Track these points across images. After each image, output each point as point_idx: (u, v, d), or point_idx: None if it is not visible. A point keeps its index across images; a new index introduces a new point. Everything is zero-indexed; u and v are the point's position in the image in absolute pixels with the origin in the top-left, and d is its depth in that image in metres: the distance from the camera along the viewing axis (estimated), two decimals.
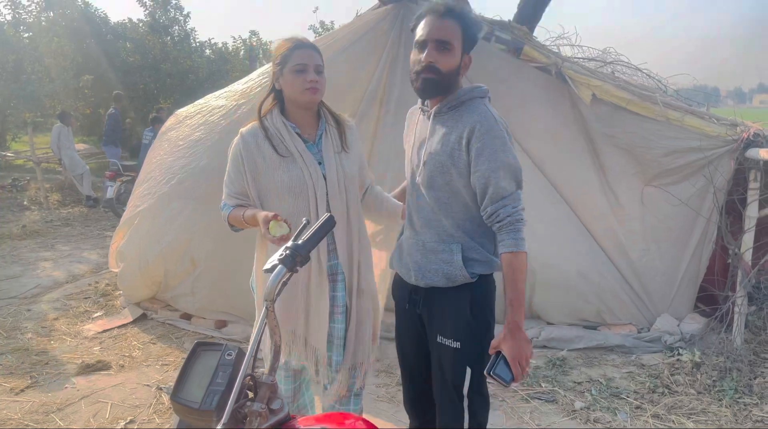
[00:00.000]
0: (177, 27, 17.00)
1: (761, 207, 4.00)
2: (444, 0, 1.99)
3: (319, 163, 2.23)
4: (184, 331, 4.57)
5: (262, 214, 2.02)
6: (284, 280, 1.39)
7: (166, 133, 5.04)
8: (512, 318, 1.86)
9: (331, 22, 18.63)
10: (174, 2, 16.78)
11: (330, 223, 1.49)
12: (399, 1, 4.50)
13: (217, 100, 4.92)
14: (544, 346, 4.20)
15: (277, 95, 2.27)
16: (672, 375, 3.77)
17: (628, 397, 3.56)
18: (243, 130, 2.25)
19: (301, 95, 2.18)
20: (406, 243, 2.19)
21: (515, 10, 6.68)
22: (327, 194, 2.22)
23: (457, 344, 2.05)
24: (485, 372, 1.86)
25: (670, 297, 4.37)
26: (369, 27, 4.59)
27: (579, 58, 5.17)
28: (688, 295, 4.40)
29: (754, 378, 3.67)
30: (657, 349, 4.12)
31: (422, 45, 1.98)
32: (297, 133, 2.23)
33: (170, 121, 5.14)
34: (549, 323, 4.37)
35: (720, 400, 3.47)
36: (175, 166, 4.68)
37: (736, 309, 4.01)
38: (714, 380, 3.65)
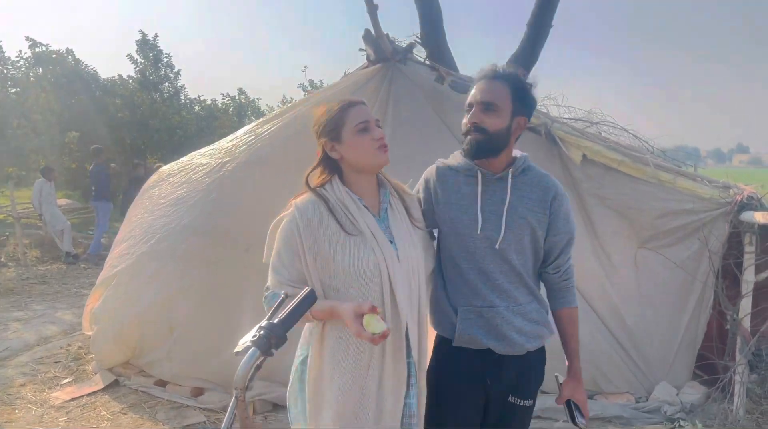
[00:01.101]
0: (167, 83, 17.15)
1: (758, 271, 3.90)
2: (493, 64, 2.05)
3: (390, 242, 1.88)
4: (158, 400, 4.29)
5: (350, 308, 1.65)
6: (258, 364, 1.23)
7: (148, 191, 4.92)
8: (579, 367, 2.12)
9: (320, 81, 18.92)
10: (165, 60, 16.99)
11: (310, 299, 1.34)
12: (387, 60, 4.49)
13: (201, 157, 4.82)
14: (538, 417, 3.98)
15: (332, 166, 1.93)
16: None
17: None
18: (297, 201, 1.90)
19: (374, 157, 1.87)
20: (495, 312, 2.04)
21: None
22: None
23: (530, 402, 2.13)
24: (575, 422, 2.09)
25: (669, 364, 4.20)
26: (357, 86, 4.56)
27: (566, 118, 5.17)
28: (686, 362, 4.23)
29: None
30: (657, 421, 3.92)
31: (468, 107, 2.03)
32: (365, 207, 1.89)
33: (152, 179, 5.02)
34: (542, 392, 4.17)
35: None
36: (156, 224, 4.53)
37: (737, 378, 3.85)
38: None
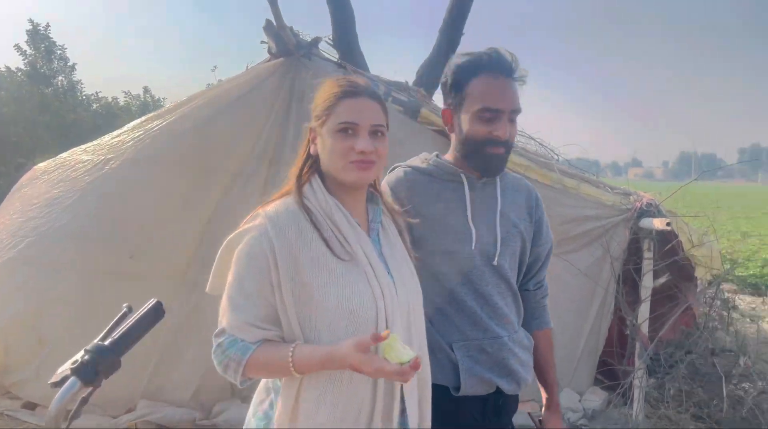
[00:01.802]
0: (61, 77, 15.97)
1: (656, 276, 3.97)
2: (504, 56, 1.67)
3: (387, 273, 1.46)
4: (26, 425, 3.81)
5: (351, 344, 1.25)
6: (84, 397, 0.96)
7: (20, 190, 4.40)
8: (557, 397, 1.89)
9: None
10: (59, 53, 15.81)
11: (158, 313, 1.08)
12: (291, 54, 4.24)
13: (82, 154, 4.36)
14: None
15: (314, 161, 1.49)
16: None
17: None
18: (268, 210, 1.41)
19: (342, 171, 1.41)
20: (500, 344, 1.71)
21: (412, 75, 6.67)
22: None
23: None
24: None
25: (572, 370, 4.19)
26: (258, 81, 4.28)
27: None
28: (588, 369, 4.24)
29: None
30: None
31: (493, 114, 1.63)
32: (358, 224, 1.47)
33: (26, 177, 4.51)
34: None
35: None
36: (26, 227, 4.04)
37: (636, 382, 3.88)
38: None
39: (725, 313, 4.43)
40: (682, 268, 4.05)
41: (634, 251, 4.07)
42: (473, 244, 1.68)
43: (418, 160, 1.81)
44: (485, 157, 1.66)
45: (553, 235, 4.12)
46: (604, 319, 4.18)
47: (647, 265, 3.93)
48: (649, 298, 3.95)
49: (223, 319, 1.37)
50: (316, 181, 1.45)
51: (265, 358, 1.33)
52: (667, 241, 3.90)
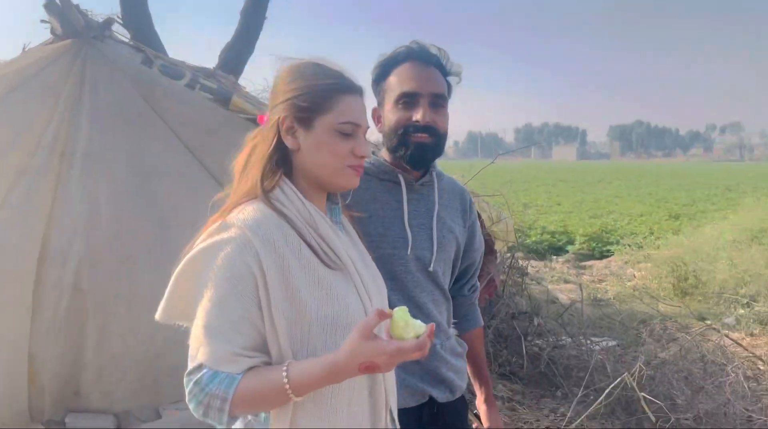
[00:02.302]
0: None
1: None
2: (427, 47, 1.63)
3: None
4: None
5: (356, 335, 1.09)
6: None
7: None
8: (492, 394, 1.88)
9: None
10: None
11: None
12: (80, 36, 3.80)
13: None
14: None
15: (283, 158, 1.30)
16: None
17: None
18: (243, 218, 1.21)
19: (342, 176, 1.29)
20: (432, 352, 1.61)
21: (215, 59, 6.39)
22: None
23: None
24: None
25: None
26: (42, 65, 3.77)
27: None
28: None
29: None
30: None
31: (410, 99, 1.58)
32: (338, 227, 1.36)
33: None
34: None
35: None
36: None
37: None
38: None
39: (520, 280, 4.98)
40: (485, 244, 4.44)
41: None
42: (409, 250, 1.61)
43: None
44: (409, 145, 1.59)
45: None
46: None
47: None
48: None
49: (200, 353, 1.14)
50: (287, 184, 1.27)
51: (254, 387, 1.13)
52: None
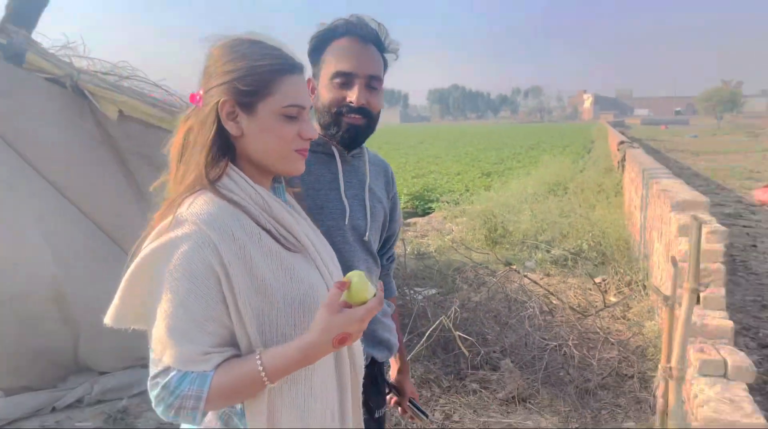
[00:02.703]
0: None
1: None
2: (366, 22, 1.59)
3: None
4: None
5: (324, 312, 1.12)
6: None
7: None
8: (407, 363, 1.99)
9: None
10: None
11: None
12: None
13: None
14: (99, 401, 3.64)
15: (225, 145, 1.22)
16: None
17: None
18: (195, 211, 1.14)
19: (288, 161, 1.26)
20: None
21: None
22: None
23: (384, 410, 1.91)
24: (426, 416, 1.98)
25: None
26: None
27: (94, 71, 4.68)
28: None
29: None
30: None
31: (345, 79, 1.56)
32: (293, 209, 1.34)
33: None
34: (101, 373, 3.82)
35: None
36: None
37: None
38: None
39: None
40: None
41: None
42: (346, 220, 1.64)
43: None
44: (342, 126, 1.60)
45: None
46: None
47: None
48: None
49: (166, 356, 1.11)
50: (235, 170, 1.22)
51: (229, 381, 1.12)
52: None
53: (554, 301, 5.33)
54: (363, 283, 1.16)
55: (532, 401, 3.72)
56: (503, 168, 20.33)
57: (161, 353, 1.12)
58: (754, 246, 8.40)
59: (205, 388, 1.11)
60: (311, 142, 1.51)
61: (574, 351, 4.13)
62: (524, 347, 4.26)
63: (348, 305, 1.15)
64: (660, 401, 2.27)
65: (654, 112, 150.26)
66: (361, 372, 1.40)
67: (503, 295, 5.02)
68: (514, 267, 6.20)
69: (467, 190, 13.43)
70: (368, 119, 1.62)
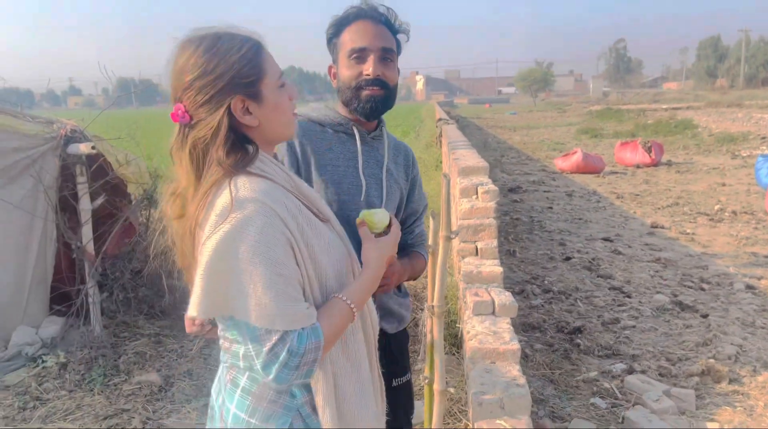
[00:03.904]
0: None
1: (93, 199, 4.20)
2: (376, 6, 1.74)
3: None
4: None
5: (367, 246, 1.43)
6: None
7: None
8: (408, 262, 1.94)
9: None
10: None
11: None
12: None
13: None
14: None
15: (241, 140, 1.29)
16: (41, 384, 3.61)
17: None
18: (249, 195, 1.19)
19: (288, 125, 1.37)
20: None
21: None
22: None
23: (409, 376, 2.06)
24: None
25: (22, 307, 4.12)
26: None
27: None
28: (40, 299, 4.25)
29: (119, 358, 3.90)
30: (20, 365, 3.85)
31: (358, 53, 1.70)
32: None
33: None
34: None
35: (92, 390, 3.54)
36: None
37: (90, 299, 4.13)
38: (83, 374, 3.69)
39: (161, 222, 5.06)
40: (115, 187, 4.40)
41: (67, 178, 4.17)
42: (362, 196, 1.76)
43: (309, 109, 1.84)
44: (362, 99, 1.72)
45: None
46: (48, 247, 4.21)
47: (82, 189, 4.11)
48: (90, 219, 4.17)
49: (278, 323, 1.17)
50: (261, 153, 1.30)
51: (329, 324, 1.25)
52: (95, 163, 4.15)
53: None
54: (377, 215, 1.47)
55: None
56: None
57: (272, 323, 1.17)
58: (551, 208, 9.51)
59: (321, 337, 1.21)
60: (334, 123, 1.79)
61: None
62: None
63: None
64: (428, 336, 2.60)
65: (478, 93, 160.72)
66: (375, 338, 1.51)
67: None
68: None
69: None
70: (386, 90, 1.74)
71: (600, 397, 3.53)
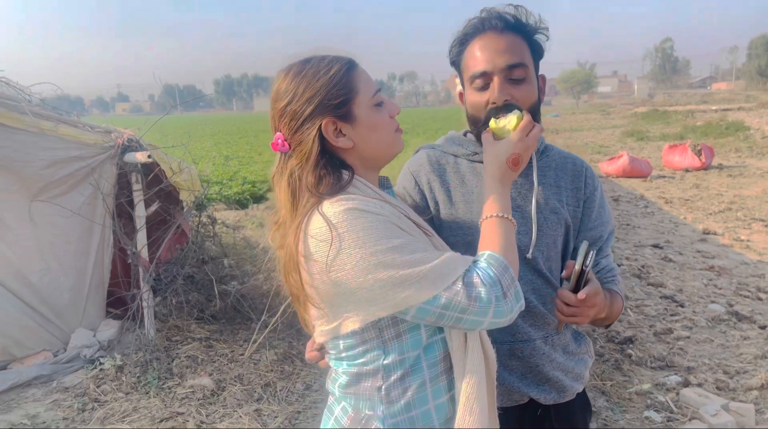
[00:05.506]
0: None
1: (147, 205, 4.33)
2: (498, 11, 1.43)
3: None
4: None
5: (490, 147, 1.33)
6: None
7: None
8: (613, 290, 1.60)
9: None
10: None
11: None
12: None
13: None
14: None
15: (334, 164, 1.23)
16: (99, 387, 3.72)
17: (59, 426, 3.32)
18: (341, 204, 1.15)
19: (395, 144, 1.29)
20: (533, 347, 1.51)
21: None
22: None
23: None
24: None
25: (81, 310, 4.28)
26: None
27: None
28: (98, 303, 4.40)
29: (172, 361, 4.00)
30: (78, 367, 3.98)
31: (483, 79, 1.43)
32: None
33: None
34: None
35: (147, 393, 3.64)
36: None
37: (144, 304, 4.25)
38: (138, 376, 3.79)
39: (210, 227, 5.18)
40: (168, 195, 4.52)
41: (123, 185, 4.31)
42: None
43: (445, 141, 1.62)
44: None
45: (43, 182, 3.99)
46: (105, 253, 4.36)
47: (138, 196, 4.24)
48: (144, 225, 4.30)
49: (446, 272, 1.12)
50: (359, 179, 1.23)
51: (494, 241, 1.22)
52: (151, 171, 4.27)
53: None
54: (501, 121, 1.35)
55: None
56: None
57: (444, 281, 1.12)
58: None
59: (497, 255, 1.17)
60: (469, 152, 1.57)
61: None
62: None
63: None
64: None
65: None
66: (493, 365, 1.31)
67: None
68: None
69: None
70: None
71: (655, 411, 3.45)
